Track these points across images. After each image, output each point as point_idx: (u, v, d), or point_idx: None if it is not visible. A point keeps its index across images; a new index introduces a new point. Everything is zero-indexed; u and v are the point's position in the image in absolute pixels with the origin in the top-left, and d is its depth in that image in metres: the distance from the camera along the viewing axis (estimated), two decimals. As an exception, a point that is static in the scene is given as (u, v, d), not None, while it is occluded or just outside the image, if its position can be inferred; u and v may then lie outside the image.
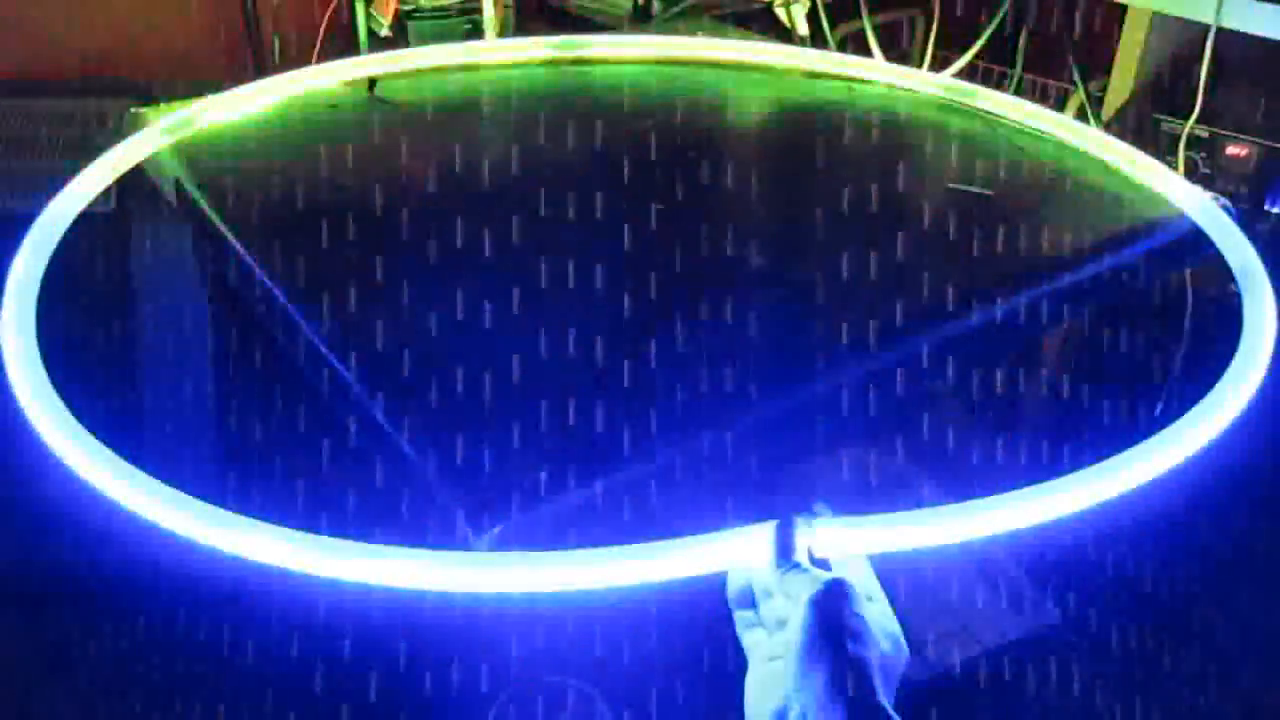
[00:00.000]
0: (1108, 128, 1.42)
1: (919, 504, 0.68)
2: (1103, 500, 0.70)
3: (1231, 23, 1.30)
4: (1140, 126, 1.45)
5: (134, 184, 1.20)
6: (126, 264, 1.65)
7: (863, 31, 1.62)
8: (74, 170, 1.07)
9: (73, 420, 0.75)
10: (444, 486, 0.74)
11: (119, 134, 1.17)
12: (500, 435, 0.77)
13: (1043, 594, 1.46)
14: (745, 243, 1.05)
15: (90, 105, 1.79)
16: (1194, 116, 1.36)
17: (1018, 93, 1.52)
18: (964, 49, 1.54)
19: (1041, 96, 1.58)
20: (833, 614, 0.58)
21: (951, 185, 1.16)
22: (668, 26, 1.73)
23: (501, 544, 0.71)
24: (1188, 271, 1.36)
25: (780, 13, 1.75)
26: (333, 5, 1.74)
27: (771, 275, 1.01)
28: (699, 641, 1.04)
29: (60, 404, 0.76)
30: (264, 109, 1.29)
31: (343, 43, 1.77)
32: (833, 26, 1.68)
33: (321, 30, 1.74)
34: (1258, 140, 1.38)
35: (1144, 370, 1.43)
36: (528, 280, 0.97)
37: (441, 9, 1.66)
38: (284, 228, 1.06)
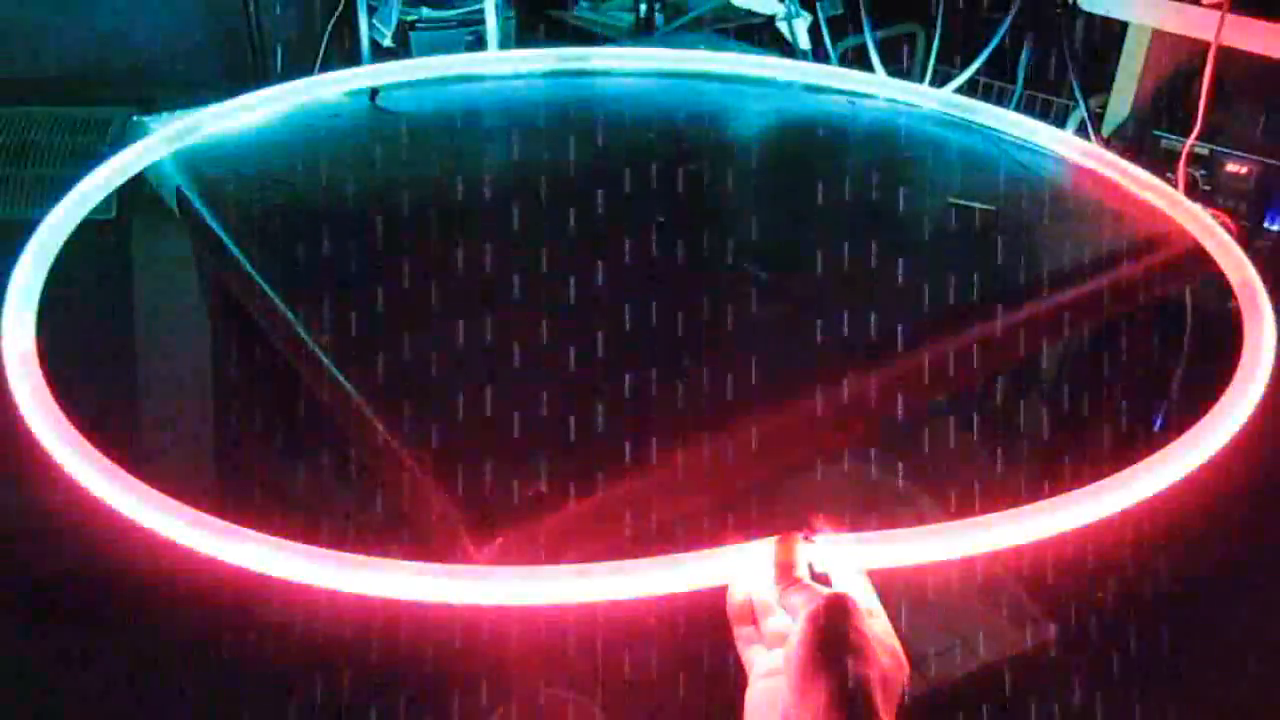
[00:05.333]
0: (1108, 144, 1.42)
1: (919, 520, 0.68)
2: (1102, 517, 0.70)
3: (1232, 40, 1.30)
4: (1140, 143, 1.45)
5: (135, 192, 1.20)
6: (127, 271, 1.65)
7: (864, 46, 1.63)
8: (76, 178, 1.07)
9: (72, 428, 0.75)
10: (446, 498, 0.74)
11: (121, 142, 1.17)
12: (502, 447, 0.77)
13: (1042, 610, 1.46)
14: (747, 254, 1.05)
15: (92, 113, 1.79)
16: (1194, 133, 1.36)
17: (1018, 108, 1.52)
18: (965, 64, 1.55)
19: (1042, 112, 1.58)
20: (833, 630, 0.58)
21: (953, 200, 1.16)
22: (670, 39, 1.74)
23: (503, 556, 0.71)
24: (1187, 288, 1.36)
25: (782, 27, 1.76)
26: (335, 15, 1.74)
27: (773, 287, 1.01)
28: (699, 656, 1.04)
29: (60, 411, 0.76)
30: (266, 118, 1.30)
31: (345, 52, 1.77)
32: (834, 41, 1.69)
33: (324, 40, 1.75)
34: (1258, 157, 1.38)
35: (1143, 386, 1.43)
36: (528, 290, 0.97)
37: (444, 20, 1.67)
38: (285, 236, 1.06)
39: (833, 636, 0.58)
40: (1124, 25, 1.47)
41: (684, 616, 0.78)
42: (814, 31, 1.72)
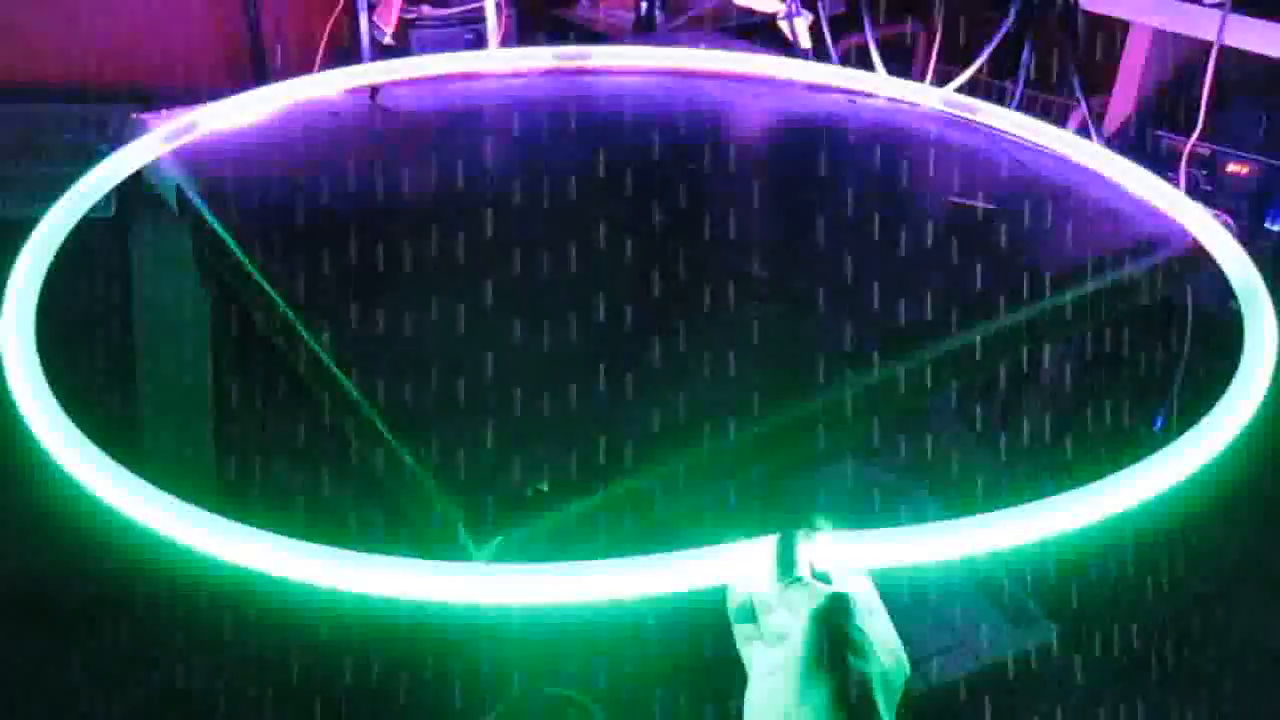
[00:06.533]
0: (1109, 143, 1.42)
1: (920, 519, 0.68)
2: (1103, 517, 0.70)
3: (1234, 41, 1.30)
4: (1142, 142, 1.45)
5: (135, 190, 1.20)
6: (127, 270, 1.65)
7: (865, 45, 1.63)
8: (75, 176, 1.06)
9: (72, 426, 0.75)
10: (445, 497, 0.74)
11: (120, 140, 1.17)
12: (502, 446, 0.77)
13: (1042, 610, 1.46)
14: (747, 254, 1.05)
15: (91, 111, 1.79)
16: (1195, 133, 1.37)
17: (1019, 108, 1.52)
18: (967, 63, 1.54)
19: (1044, 111, 1.58)
20: (834, 628, 0.58)
21: (953, 199, 1.16)
22: (670, 38, 1.74)
23: (502, 555, 0.70)
24: (1188, 288, 1.36)
25: (783, 25, 1.76)
26: (335, 13, 1.74)
27: (773, 286, 1.01)
28: (699, 655, 1.04)
29: (59, 409, 0.76)
30: (265, 116, 1.29)
31: (345, 50, 1.77)
32: (835, 40, 1.69)
33: (324, 38, 1.75)
34: (1259, 157, 1.38)
35: (1144, 386, 1.43)
36: (529, 290, 0.97)
37: (444, 18, 1.67)
38: (284, 234, 1.06)
39: (834, 635, 0.58)
40: (1124, 25, 1.47)
41: (684, 616, 0.78)
42: (814, 30, 1.72)
